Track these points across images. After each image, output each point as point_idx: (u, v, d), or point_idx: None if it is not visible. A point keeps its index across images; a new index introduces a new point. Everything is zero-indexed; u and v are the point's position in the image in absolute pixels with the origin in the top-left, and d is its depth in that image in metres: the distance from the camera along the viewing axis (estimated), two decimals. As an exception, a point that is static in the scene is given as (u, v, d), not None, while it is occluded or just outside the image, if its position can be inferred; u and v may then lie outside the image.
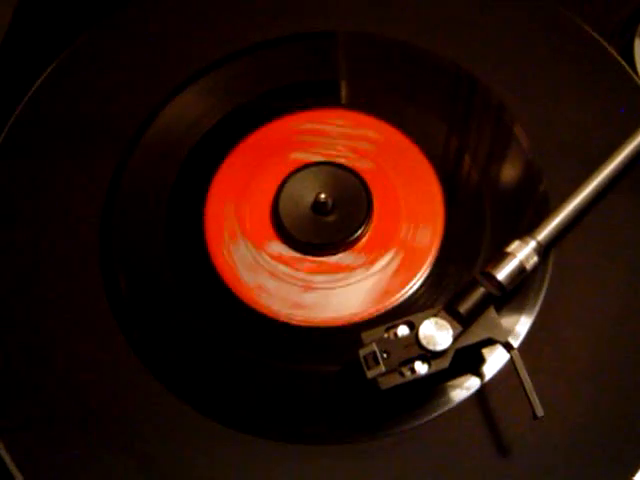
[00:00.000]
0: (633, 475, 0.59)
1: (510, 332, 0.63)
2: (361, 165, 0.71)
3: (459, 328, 0.60)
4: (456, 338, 0.60)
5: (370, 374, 0.58)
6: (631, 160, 0.67)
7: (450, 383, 0.62)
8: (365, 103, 0.74)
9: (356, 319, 0.65)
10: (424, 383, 0.60)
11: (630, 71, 0.73)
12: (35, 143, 0.73)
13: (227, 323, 0.66)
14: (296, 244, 0.68)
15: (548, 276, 0.65)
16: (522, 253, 0.62)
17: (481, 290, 0.61)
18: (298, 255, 0.68)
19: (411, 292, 0.66)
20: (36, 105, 0.74)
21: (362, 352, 0.59)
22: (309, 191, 0.69)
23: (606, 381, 0.62)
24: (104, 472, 0.61)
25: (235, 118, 0.74)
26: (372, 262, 0.68)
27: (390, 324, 0.61)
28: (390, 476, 0.60)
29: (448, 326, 0.60)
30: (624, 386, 0.62)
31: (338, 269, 0.68)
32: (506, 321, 0.63)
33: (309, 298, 0.67)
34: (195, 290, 0.67)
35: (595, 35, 0.75)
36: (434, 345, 0.59)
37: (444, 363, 0.59)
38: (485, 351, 0.62)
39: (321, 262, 0.68)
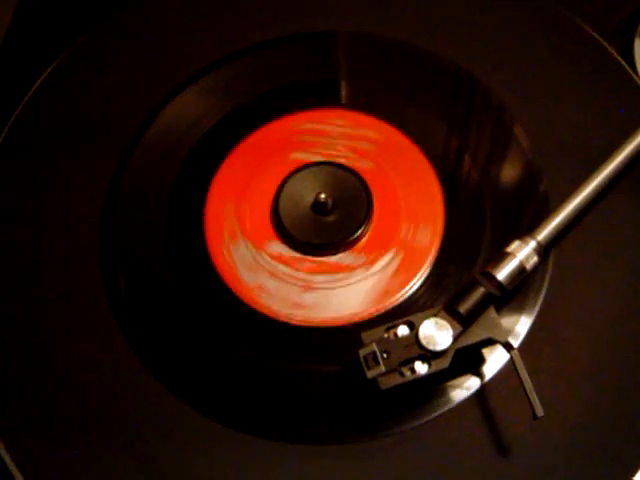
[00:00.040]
0: (633, 475, 0.59)
1: (510, 332, 0.63)
2: (361, 165, 0.71)
3: (459, 328, 0.60)
4: (456, 338, 0.60)
5: (370, 374, 0.58)
6: (631, 160, 0.67)
7: (450, 383, 0.62)
8: (365, 103, 0.74)
9: (356, 319, 0.65)
10: (424, 383, 0.60)
11: (630, 71, 0.73)
12: (35, 143, 0.73)
13: (227, 323, 0.66)
14: (296, 244, 0.68)
15: (548, 276, 0.65)
16: (522, 253, 0.62)
17: (481, 290, 0.61)
18: (298, 255, 0.68)
19: (411, 292, 0.66)
20: (36, 105, 0.74)
21: (362, 352, 0.59)
22: (309, 191, 0.69)
23: (606, 381, 0.62)
24: (104, 472, 0.61)
25: (235, 118, 0.74)
26: (372, 262, 0.68)
27: (390, 324, 0.61)
28: (390, 476, 0.60)
29: (448, 326, 0.60)
30: (624, 386, 0.62)
31: (338, 269, 0.68)
32: (506, 321, 0.63)
33: (309, 298, 0.67)
34: (195, 290, 0.67)
35: (595, 35, 0.75)
36: (434, 345, 0.59)
37: (444, 363, 0.59)
38: (485, 351, 0.62)
39: (321, 262, 0.68)
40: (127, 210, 0.70)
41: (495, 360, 0.63)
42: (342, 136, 0.73)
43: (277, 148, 0.73)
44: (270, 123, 0.74)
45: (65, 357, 0.65)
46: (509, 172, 0.72)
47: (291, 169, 0.71)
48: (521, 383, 0.58)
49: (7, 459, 0.61)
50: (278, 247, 0.69)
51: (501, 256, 0.63)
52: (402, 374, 0.59)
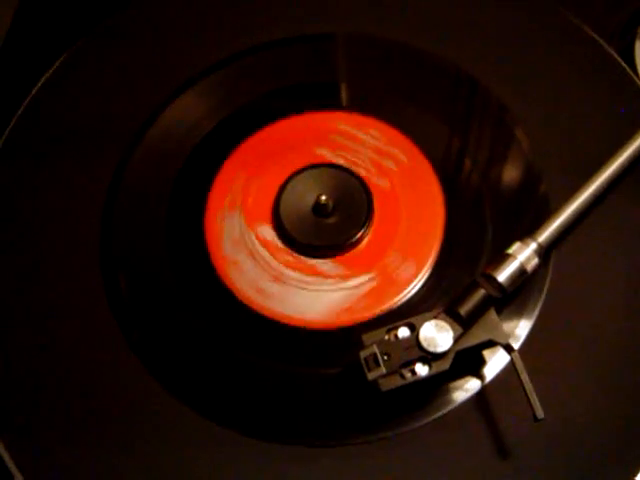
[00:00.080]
0: (635, 476, 0.59)
1: (510, 334, 0.63)
2: (377, 181, 0.71)
3: (460, 330, 0.60)
4: (457, 340, 0.60)
5: (371, 376, 0.58)
6: (632, 162, 0.67)
7: (451, 385, 0.62)
8: (365, 104, 0.74)
9: (319, 325, 0.66)
10: (425, 385, 0.60)
11: (631, 73, 0.73)
12: (36, 144, 0.73)
13: (227, 324, 0.66)
14: (283, 234, 0.69)
15: (549, 278, 0.65)
16: (523, 255, 0.62)
17: (481, 292, 0.61)
18: (282, 246, 0.69)
19: (412, 294, 0.66)
20: (37, 106, 0.74)
21: (363, 354, 0.59)
22: (311, 193, 0.69)
23: (607, 382, 0.62)
24: (104, 472, 0.61)
25: (235, 119, 0.74)
26: (347, 277, 0.67)
27: (391, 326, 0.61)
28: (391, 477, 0.60)
29: (449, 328, 0.60)
30: (624, 387, 0.62)
31: (312, 272, 0.68)
32: (506, 323, 0.63)
33: (274, 289, 0.67)
34: (195, 291, 0.67)
35: (595, 36, 0.75)
36: (435, 347, 0.59)
37: (445, 365, 0.59)
38: (485, 353, 0.62)
39: (299, 260, 0.68)
40: (127, 210, 0.70)
41: (496, 362, 0.63)
42: (372, 148, 0.72)
43: (276, 149, 0.73)
44: (273, 124, 0.74)
45: (65, 357, 0.65)
46: (510, 173, 0.72)
47: (293, 170, 0.71)
48: (521, 385, 0.58)
49: (7, 459, 0.61)
50: (268, 233, 0.69)
51: (501, 258, 0.63)
52: (403, 376, 0.59)
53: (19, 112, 0.74)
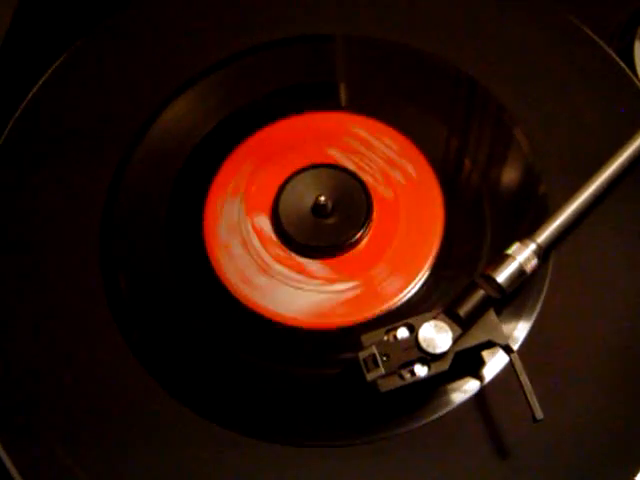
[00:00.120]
0: (634, 476, 0.59)
1: (510, 335, 0.63)
2: (382, 192, 0.71)
3: (459, 331, 0.60)
4: (456, 341, 0.60)
5: (370, 377, 0.59)
6: (631, 162, 0.67)
7: (450, 386, 0.62)
8: (364, 105, 0.74)
9: (307, 324, 0.66)
10: (424, 385, 0.60)
11: (630, 73, 0.73)
12: (36, 144, 0.73)
13: (228, 325, 0.66)
14: (287, 239, 0.69)
15: (548, 278, 0.65)
16: (522, 256, 0.62)
17: (481, 293, 0.61)
18: (275, 239, 0.69)
19: (411, 295, 0.66)
20: (37, 106, 0.74)
21: (362, 355, 0.59)
22: (310, 193, 0.70)
23: (606, 382, 0.62)
24: (104, 472, 0.61)
25: (235, 120, 0.74)
26: (332, 281, 0.67)
27: (390, 327, 0.60)
28: (390, 478, 0.60)
29: (448, 329, 0.60)
30: (624, 388, 0.62)
31: (299, 270, 0.68)
32: (506, 324, 0.63)
33: (259, 280, 0.67)
34: (195, 291, 0.67)
35: (595, 37, 0.75)
36: (434, 348, 0.59)
37: (444, 366, 0.59)
38: (485, 354, 0.62)
39: (290, 256, 0.68)
40: (127, 210, 0.70)
41: (495, 363, 0.63)
42: (384, 157, 0.72)
43: (276, 150, 0.73)
44: (270, 124, 0.74)
45: (65, 358, 0.65)
46: (509, 174, 0.72)
47: (293, 170, 0.71)
48: (520, 386, 0.58)
49: (7, 459, 0.61)
50: (264, 224, 0.70)
51: (501, 258, 0.63)
52: (402, 377, 0.59)
53: (19, 112, 0.74)
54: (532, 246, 0.63)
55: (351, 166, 0.71)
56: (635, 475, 0.59)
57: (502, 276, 0.62)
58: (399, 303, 0.66)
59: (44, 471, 0.61)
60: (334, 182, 0.70)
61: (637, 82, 0.73)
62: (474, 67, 0.75)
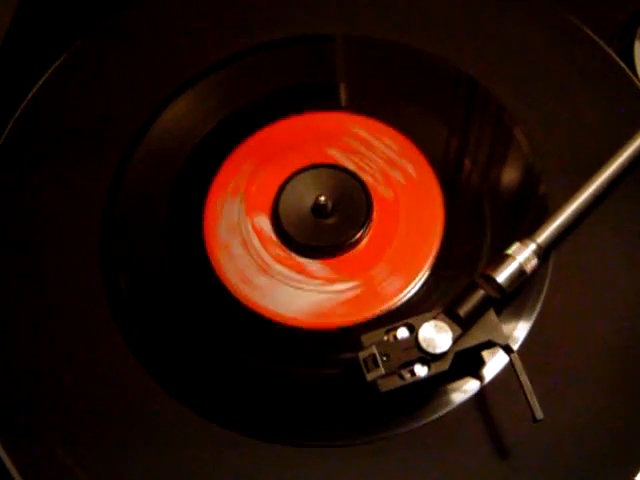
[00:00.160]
0: (634, 476, 0.59)
1: (510, 335, 0.63)
2: (382, 191, 0.70)
3: (459, 331, 0.60)
4: (456, 341, 0.60)
5: (370, 377, 0.59)
6: (631, 162, 0.67)
7: (450, 386, 0.62)
8: (364, 105, 0.74)
9: (294, 323, 0.66)
10: (424, 385, 0.60)
11: (630, 73, 0.73)
12: (36, 144, 0.73)
13: (228, 325, 0.66)
14: (287, 239, 0.69)
15: (548, 278, 0.65)
16: (522, 256, 0.62)
17: (481, 293, 0.61)
18: (275, 239, 0.69)
19: (411, 295, 0.66)
20: (37, 106, 0.74)
21: (362, 355, 0.59)
22: (310, 193, 0.70)
23: (606, 383, 0.62)
24: (104, 472, 0.61)
25: (235, 121, 0.74)
26: (332, 281, 0.67)
27: (390, 327, 0.60)
28: (390, 478, 0.60)
29: (448, 329, 0.60)
30: (624, 388, 0.62)
31: (300, 270, 0.68)
32: (506, 324, 0.63)
33: (259, 280, 0.68)
34: (195, 291, 0.67)
35: (595, 37, 0.75)
36: (434, 348, 0.59)
37: (444, 366, 0.59)
38: (485, 354, 0.62)
39: (290, 256, 0.68)
40: (127, 210, 0.70)
41: (495, 363, 0.63)
42: (384, 157, 0.72)
43: (277, 150, 0.73)
44: (270, 124, 0.74)
45: (64, 358, 0.65)
46: (509, 174, 0.72)
47: (293, 170, 0.71)
48: (521, 386, 0.58)
49: (7, 459, 0.61)
50: (264, 224, 0.70)
51: (501, 259, 0.63)
52: (402, 377, 0.59)
53: (19, 112, 0.74)
54: (532, 246, 0.63)
55: (351, 166, 0.71)
56: (635, 475, 0.59)
57: (502, 276, 0.62)
58: (399, 303, 0.66)
59: (44, 471, 0.61)
60: (334, 182, 0.70)
61: (637, 82, 0.73)
62: (474, 67, 0.75)
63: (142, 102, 0.74)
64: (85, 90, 0.76)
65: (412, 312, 0.63)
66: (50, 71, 0.75)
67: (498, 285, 0.61)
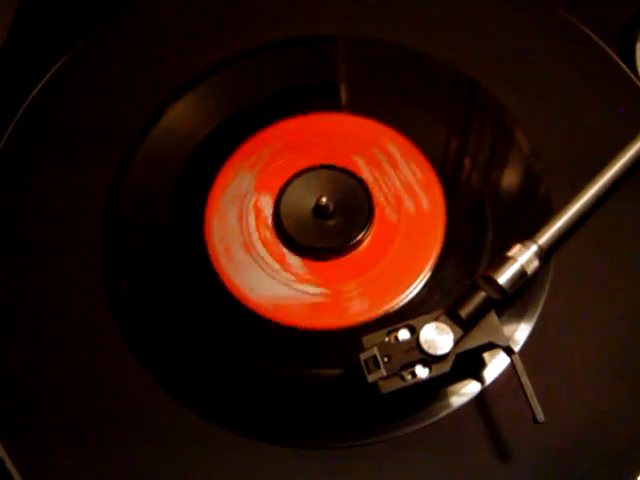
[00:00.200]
0: (635, 476, 0.59)
1: (511, 336, 0.63)
2: (388, 213, 0.70)
3: (460, 332, 0.60)
4: (457, 342, 0.60)
5: (371, 378, 0.59)
6: (633, 163, 0.67)
7: (451, 387, 0.62)
8: (365, 105, 0.74)
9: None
10: (425, 387, 0.60)
11: (631, 75, 0.73)
12: (36, 144, 0.73)
13: (228, 326, 0.66)
14: (279, 228, 0.69)
15: (549, 280, 0.65)
16: (523, 257, 0.62)
17: (482, 294, 0.61)
18: (269, 222, 0.70)
19: (412, 296, 0.66)
20: (37, 107, 0.74)
21: (363, 356, 0.59)
22: (312, 194, 0.69)
23: (607, 385, 0.62)
24: (104, 472, 0.61)
25: (236, 120, 0.74)
26: (302, 280, 0.68)
27: (391, 328, 0.61)
28: (390, 480, 0.60)
29: (449, 330, 0.60)
30: (625, 390, 0.62)
31: (278, 258, 0.68)
32: (507, 325, 0.63)
33: (239, 254, 0.68)
34: (196, 292, 0.67)
35: (596, 38, 0.75)
36: (435, 349, 0.59)
37: (445, 367, 0.59)
38: (486, 355, 0.62)
39: (275, 243, 0.69)
40: (128, 211, 0.70)
41: (496, 364, 0.63)
42: (403, 181, 0.71)
43: (279, 150, 0.73)
44: (271, 125, 0.74)
45: (64, 358, 0.65)
46: (510, 175, 0.72)
47: (294, 171, 0.71)
48: (522, 387, 0.58)
49: (7, 459, 0.61)
50: (267, 204, 0.70)
51: (502, 260, 0.63)
52: (403, 378, 0.59)
53: (19, 112, 0.74)
54: (533, 248, 0.63)
55: (370, 179, 0.71)
56: (636, 476, 0.59)
57: (503, 278, 0.62)
58: (400, 304, 0.66)
59: (44, 471, 0.61)
60: (336, 184, 0.70)
61: (638, 83, 0.73)
62: (474, 67, 0.75)
63: (143, 103, 0.74)
64: (86, 91, 0.75)
65: (413, 313, 0.63)
66: (51, 71, 0.75)
67: (499, 287, 0.61)
